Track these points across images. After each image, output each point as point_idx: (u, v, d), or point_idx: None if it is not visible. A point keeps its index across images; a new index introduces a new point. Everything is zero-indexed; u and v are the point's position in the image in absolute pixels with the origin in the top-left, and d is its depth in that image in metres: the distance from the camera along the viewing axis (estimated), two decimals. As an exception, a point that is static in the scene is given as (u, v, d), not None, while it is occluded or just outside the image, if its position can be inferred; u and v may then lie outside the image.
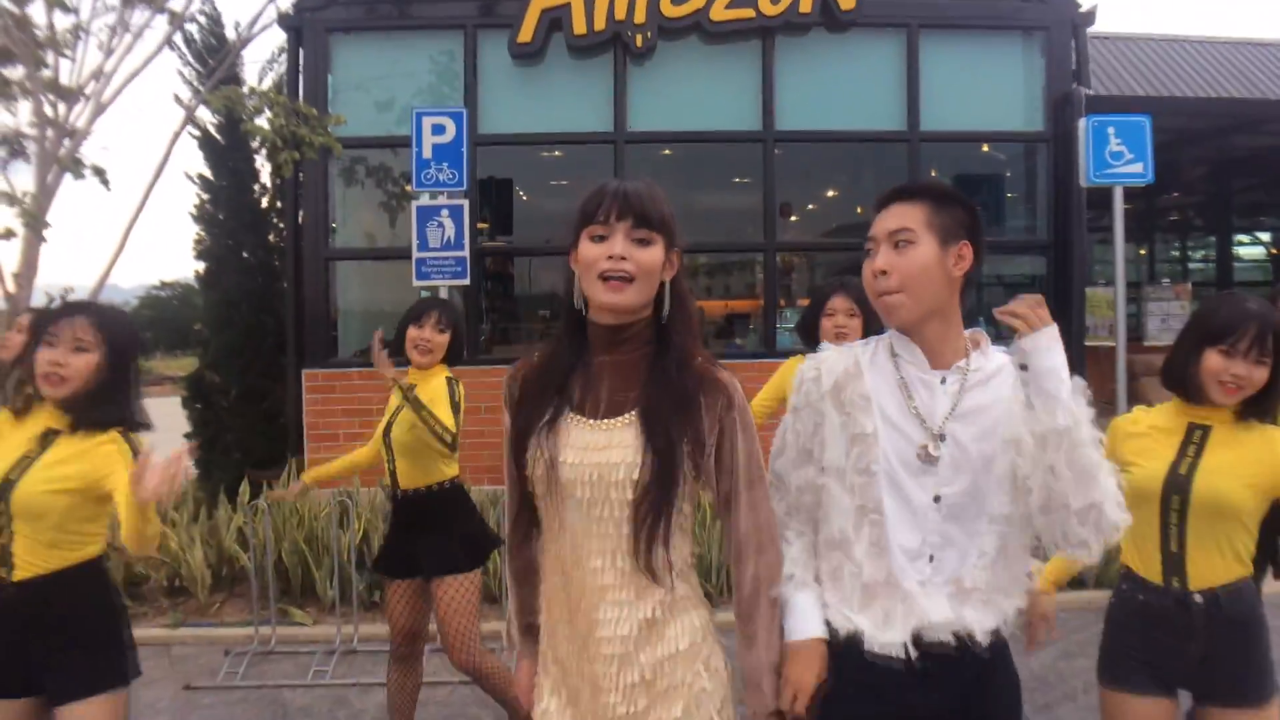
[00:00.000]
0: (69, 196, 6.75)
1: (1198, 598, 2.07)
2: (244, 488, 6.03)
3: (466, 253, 5.46)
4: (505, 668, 3.38)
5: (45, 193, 5.91)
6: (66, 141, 6.09)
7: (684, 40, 7.43)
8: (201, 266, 8.29)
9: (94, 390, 2.17)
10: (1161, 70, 10.31)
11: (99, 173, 6.12)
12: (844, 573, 1.64)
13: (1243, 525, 2.08)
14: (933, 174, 8.73)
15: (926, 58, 7.55)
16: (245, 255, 8.22)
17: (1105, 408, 6.64)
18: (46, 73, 6.27)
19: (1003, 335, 1.67)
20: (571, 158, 8.40)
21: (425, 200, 5.56)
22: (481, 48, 7.35)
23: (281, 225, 8.53)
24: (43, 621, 2.15)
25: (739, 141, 7.66)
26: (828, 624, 1.64)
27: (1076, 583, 5.45)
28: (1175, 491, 2.07)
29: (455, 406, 3.15)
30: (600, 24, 7.15)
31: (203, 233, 8.29)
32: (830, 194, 10.88)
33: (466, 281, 5.52)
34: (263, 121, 5.74)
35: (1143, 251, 16.59)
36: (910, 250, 1.58)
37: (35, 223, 5.66)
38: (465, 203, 5.50)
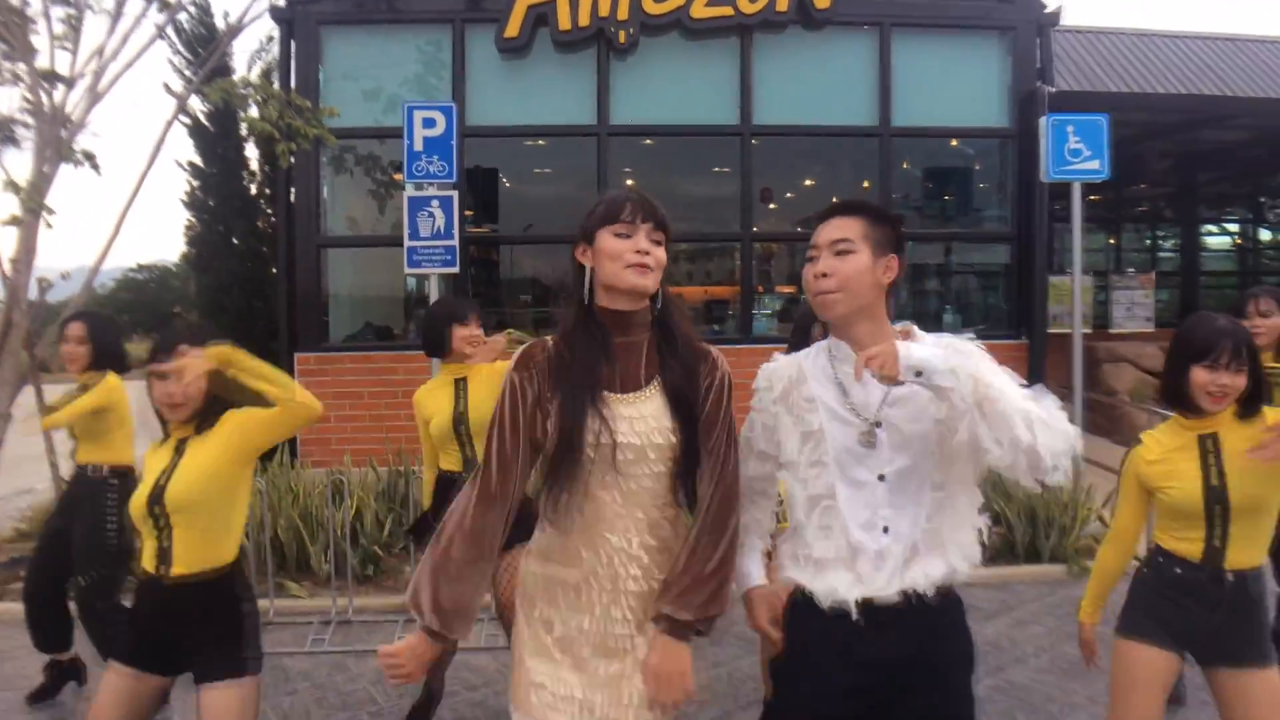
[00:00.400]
0: (58, 181, 6.85)
1: (1230, 576, 2.36)
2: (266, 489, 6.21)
3: (456, 242, 5.67)
4: None
5: (44, 179, 6.05)
6: (65, 129, 6.22)
7: (665, 36, 7.64)
8: (192, 252, 8.44)
9: (205, 400, 2.44)
10: (1133, 64, 10.48)
11: (89, 158, 6.27)
12: (799, 553, 1.90)
13: (1273, 515, 2.40)
14: (905, 166, 9.01)
15: (898, 56, 7.79)
16: (235, 241, 8.39)
17: (1064, 392, 6.98)
18: (41, 62, 6.39)
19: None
20: (555, 147, 8.59)
21: (417, 191, 5.74)
22: (469, 41, 7.52)
23: (270, 212, 8.69)
24: (193, 617, 2.42)
25: (718, 135, 7.88)
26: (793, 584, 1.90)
27: (1032, 556, 5.81)
28: (1217, 502, 2.35)
29: None
30: (585, 20, 7.34)
31: (193, 219, 8.44)
32: (807, 183, 11.13)
33: (456, 270, 5.73)
34: (255, 112, 5.91)
35: (1111, 241, 16.93)
36: (848, 258, 1.83)
37: (36, 209, 5.79)
38: (455, 194, 5.70)
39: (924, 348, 1.68)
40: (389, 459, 6.57)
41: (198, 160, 8.36)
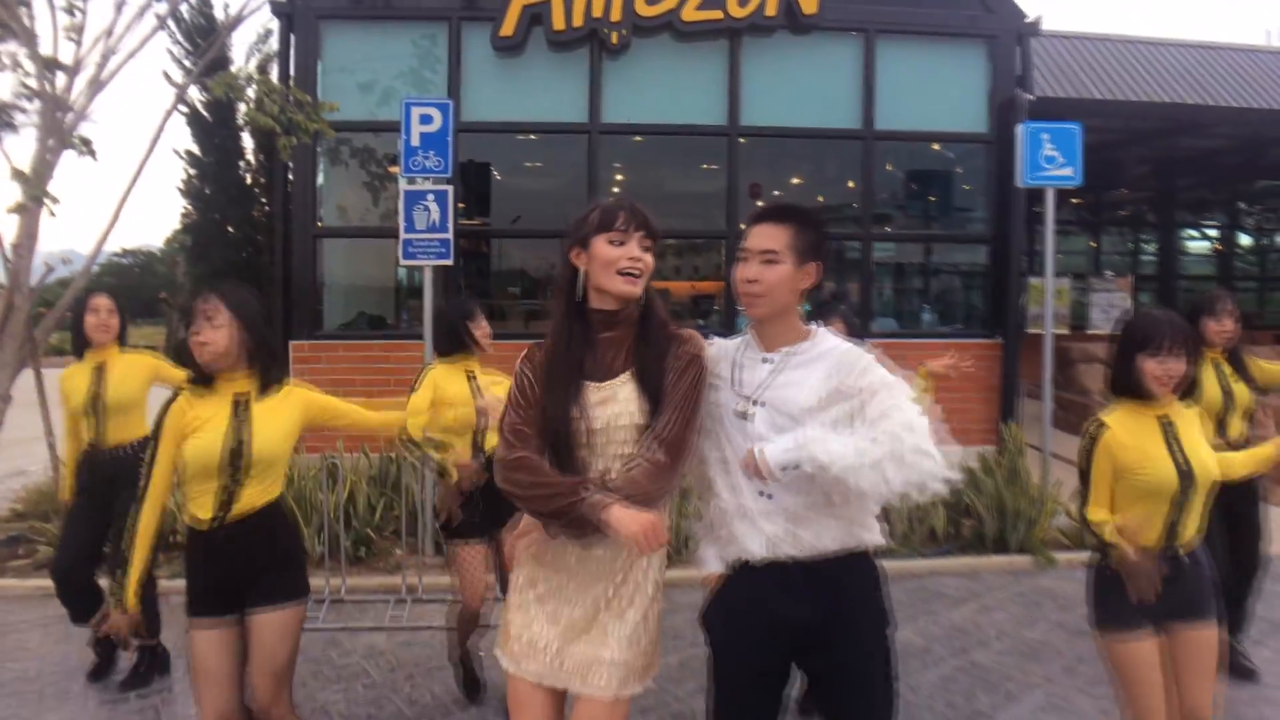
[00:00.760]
0: (59, 166, 6.93)
1: (1185, 557, 2.62)
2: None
3: (450, 235, 5.83)
4: None
5: (46, 166, 6.17)
6: (68, 117, 6.34)
7: (656, 38, 7.80)
8: (187, 239, 8.56)
9: (242, 350, 2.64)
10: (1115, 70, 10.65)
11: (85, 143, 6.39)
12: (714, 505, 2.15)
13: (1216, 485, 2.64)
14: (888, 168, 9.22)
15: (882, 61, 7.99)
16: (230, 229, 8.52)
17: (1035, 389, 7.22)
18: (42, 49, 6.49)
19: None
20: (547, 144, 8.75)
21: (412, 185, 5.90)
22: (465, 39, 7.66)
23: (264, 201, 8.82)
24: (250, 548, 2.64)
25: (706, 135, 8.05)
26: (723, 559, 2.13)
27: (1001, 546, 6.05)
28: (1187, 482, 2.58)
29: None
30: (578, 20, 7.51)
31: (189, 206, 8.56)
32: (794, 181, 11.32)
33: (450, 262, 5.90)
34: (257, 105, 6.04)
35: (1092, 244, 17.22)
36: (774, 267, 2.05)
37: (40, 196, 5.92)
38: (450, 188, 5.86)
39: (781, 450, 1.91)
40: (380, 445, 6.74)
41: (195, 149, 8.46)
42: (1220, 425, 3.96)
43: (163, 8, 6.94)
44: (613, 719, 2.06)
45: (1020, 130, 6.49)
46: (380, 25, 7.67)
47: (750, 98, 7.93)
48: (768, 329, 2.13)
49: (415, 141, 5.77)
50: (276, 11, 7.43)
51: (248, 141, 8.86)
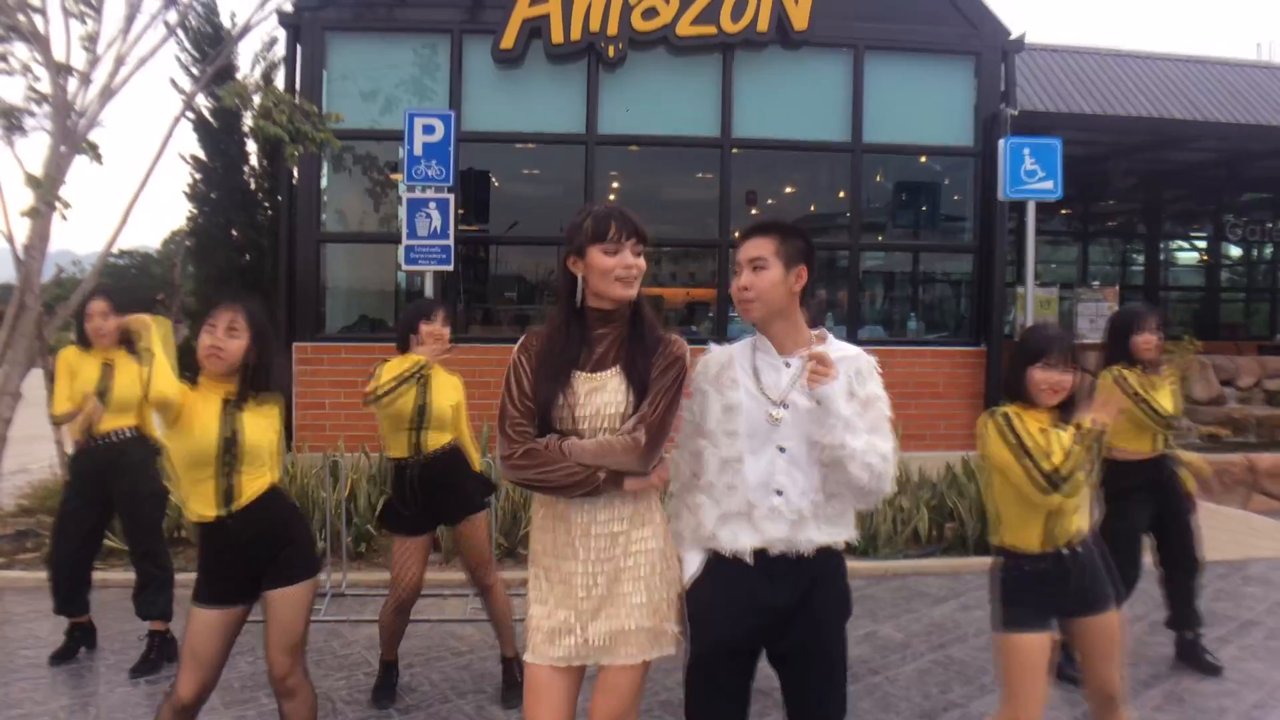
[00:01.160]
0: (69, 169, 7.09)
1: (1067, 551, 2.76)
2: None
3: (451, 241, 6.03)
4: (507, 596, 4.05)
5: (58, 170, 6.35)
6: (80, 123, 6.52)
7: (652, 52, 8.02)
8: (193, 242, 8.73)
9: (244, 360, 2.79)
10: (1104, 84, 10.85)
11: (92, 148, 6.57)
12: (705, 506, 2.29)
13: (1089, 488, 2.78)
14: (878, 180, 9.45)
15: (870, 76, 8.22)
16: (234, 234, 8.69)
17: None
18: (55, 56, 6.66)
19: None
20: (545, 153, 8.95)
21: (415, 193, 6.09)
22: (466, 51, 7.88)
23: (268, 206, 9.01)
24: (260, 536, 2.79)
25: (699, 146, 8.27)
26: (706, 549, 2.28)
27: (982, 548, 6.22)
28: (1050, 484, 2.70)
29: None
30: (576, 34, 7.73)
31: (194, 210, 8.73)
32: (786, 191, 11.54)
33: (450, 267, 6.09)
34: (265, 115, 6.22)
35: (1082, 255, 17.40)
36: (763, 272, 2.23)
37: (52, 201, 6.10)
38: (451, 196, 6.06)
39: (831, 390, 2.14)
40: (379, 443, 6.91)
41: (200, 154, 8.64)
42: (1155, 435, 4.17)
43: (172, 17, 7.16)
44: (635, 684, 2.23)
45: (1002, 145, 6.69)
46: (384, 36, 7.87)
47: (742, 110, 8.14)
48: (776, 333, 2.27)
49: (418, 151, 5.98)
50: (284, 23, 7.63)
51: (252, 147, 9.03)
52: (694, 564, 2.31)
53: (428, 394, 3.77)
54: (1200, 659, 4.32)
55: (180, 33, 8.55)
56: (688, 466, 2.36)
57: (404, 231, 6.01)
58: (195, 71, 8.00)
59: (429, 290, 6.25)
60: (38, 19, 6.61)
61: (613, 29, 7.76)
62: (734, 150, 8.21)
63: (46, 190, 5.96)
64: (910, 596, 5.50)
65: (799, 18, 7.90)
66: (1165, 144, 11.37)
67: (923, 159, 9.04)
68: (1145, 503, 4.18)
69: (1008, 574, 2.83)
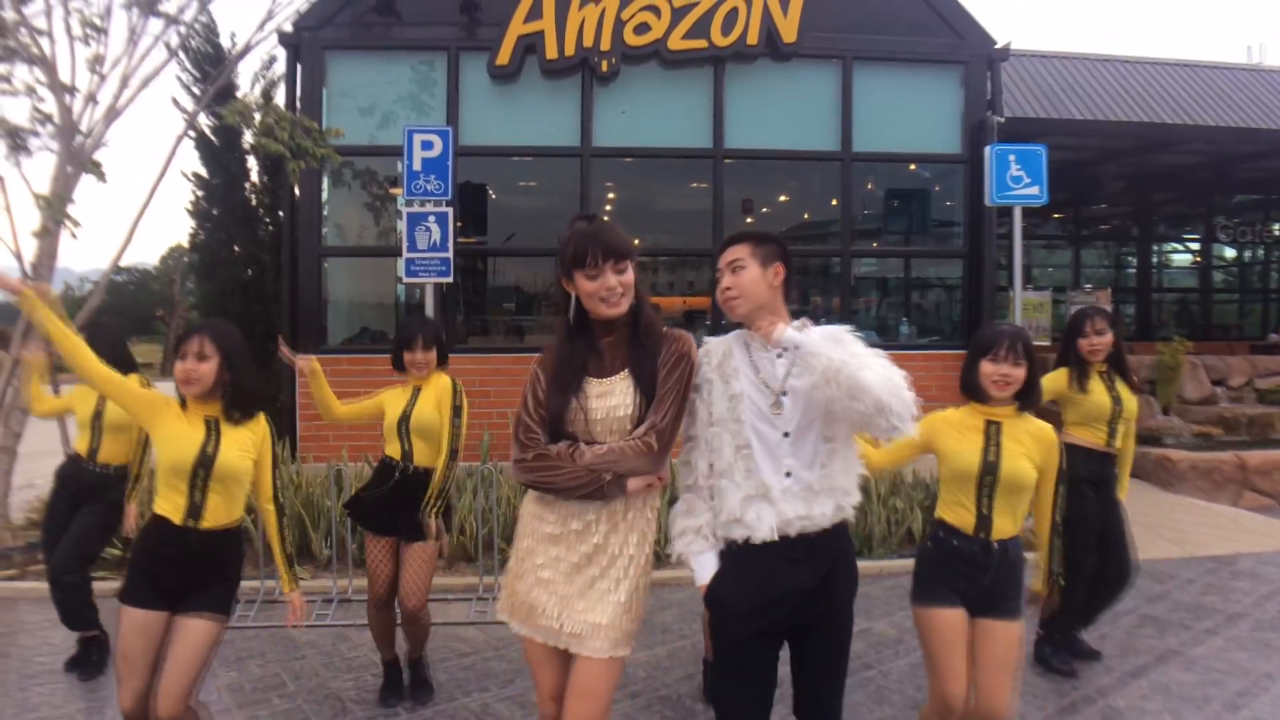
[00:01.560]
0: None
1: (995, 545, 2.88)
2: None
3: (450, 254, 6.16)
4: (429, 624, 4.15)
5: (66, 189, 6.49)
6: (86, 143, 6.67)
7: (644, 66, 8.19)
8: (195, 258, 8.86)
9: (218, 383, 2.89)
10: (1094, 88, 11.00)
11: (96, 167, 6.72)
12: (728, 490, 2.39)
13: (1028, 495, 2.91)
14: (869, 187, 9.59)
15: (859, 86, 8.38)
16: (236, 249, 8.82)
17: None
18: (40, 74, 6.80)
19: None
20: (541, 166, 9.10)
21: (415, 207, 6.23)
22: (463, 68, 8.04)
23: (269, 221, 9.14)
24: (211, 559, 2.91)
25: (692, 157, 8.42)
26: (728, 540, 2.38)
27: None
28: (988, 473, 2.86)
29: (456, 410, 3.99)
30: (570, 50, 7.89)
31: (197, 227, 8.87)
32: (780, 199, 11.68)
33: (450, 279, 6.22)
34: (267, 132, 6.36)
35: (1074, 260, 17.57)
36: (742, 272, 2.40)
37: (60, 220, 6.23)
38: (449, 210, 6.19)
39: (802, 335, 2.27)
40: (382, 454, 7.02)
41: (203, 171, 8.77)
42: (1110, 432, 4.21)
43: (173, 38, 7.32)
44: (608, 677, 2.34)
45: (988, 152, 6.81)
46: (383, 55, 8.04)
47: (734, 121, 8.30)
48: (761, 327, 2.40)
49: (417, 166, 6.11)
50: (284, 42, 7.78)
51: (253, 164, 9.17)
52: (708, 565, 2.41)
53: (413, 407, 3.98)
54: (1079, 647, 4.42)
55: (182, 53, 8.71)
56: (703, 458, 2.44)
57: (404, 245, 6.14)
58: (197, 91, 8.14)
59: (429, 302, 6.37)
60: (44, 41, 6.78)
61: (606, 44, 7.92)
62: (726, 160, 8.35)
63: (56, 210, 6.09)
64: (904, 595, 5.50)
65: (788, 31, 8.06)
66: (1154, 147, 11.50)
67: (912, 166, 9.19)
68: (1093, 497, 4.23)
69: (932, 547, 2.96)
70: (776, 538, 2.33)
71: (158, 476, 2.93)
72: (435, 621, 5.03)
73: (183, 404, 2.94)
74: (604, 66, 7.99)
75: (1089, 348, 4.22)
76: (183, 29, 7.36)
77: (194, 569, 2.89)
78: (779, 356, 2.39)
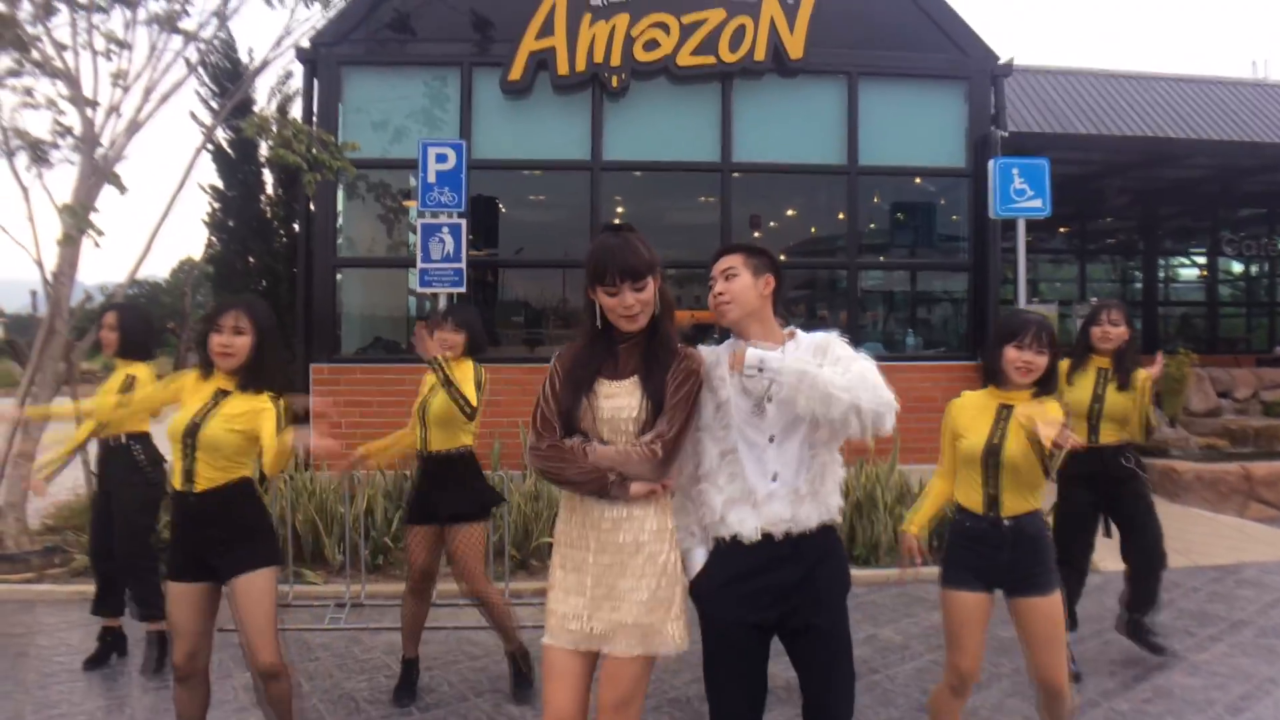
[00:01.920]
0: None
1: (1006, 522, 2.97)
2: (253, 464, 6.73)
3: (463, 264, 6.28)
4: (503, 600, 4.23)
5: (88, 197, 6.63)
6: (108, 153, 6.82)
7: (654, 81, 8.33)
8: (210, 269, 9.00)
9: (250, 358, 3.00)
10: (1099, 103, 11.10)
11: (116, 178, 6.86)
12: (711, 493, 2.47)
13: (1036, 474, 2.98)
14: (875, 200, 9.69)
15: (865, 101, 8.49)
16: (251, 260, 8.97)
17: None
18: (62, 88, 6.95)
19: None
20: (552, 179, 9.24)
21: (429, 218, 6.35)
22: (476, 83, 8.19)
23: (284, 234, 9.29)
24: (216, 520, 2.99)
25: (701, 171, 8.54)
26: (715, 538, 2.47)
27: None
28: (991, 455, 2.96)
29: (479, 385, 4.04)
30: (581, 65, 8.04)
31: (213, 238, 9.02)
32: (789, 213, 11.80)
33: (463, 289, 6.33)
34: (284, 145, 6.51)
35: (1080, 273, 17.59)
36: (735, 279, 2.50)
37: (84, 229, 6.36)
38: (463, 222, 6.31)
39: (767, 354, 2.34)
40: (395, 463, 7.12)
41: (219, 184, 8.92)
42: (1092, 428, 4.30)
43: (193, 55, 7.49)
44: (635, 675, 2.38)
45: (991, 165, 6.90)
46: (397, 70, 8.20)
47: (741, 136, 8.42)
48: (753, 335, 2.50)
49: (431, 179, 6.24)
50: (301, 58, 7.95)
51: (268, 177, 9.32)
52: (700, 558, 2.50)
53: (434, 395, 4.04)
54: (1144, 638, 4.50)
55: (200, 69, 8.89)
56: (690, 460, 2.54)
57: (418, 255, 6.25)
58: (215, 105, 8.30)
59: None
60: (67, 55, 6.94)
61: (616, 60, 8.06)
62: (734, 175, 8.47)
63: (80, 219, 6.23)
64: (910, 602, 5.66)
65: (794, 47, 8.19)
66: (1158, 161, 11.56)
67: (917, 180, 9.29)
68: (1084, 491, 4.35)
69: (953, 530, 3.09)
70: (759, 538, 2.41)
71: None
72: (447, 625, 5.12)
73: (208, 374, 3.04)
74: (614, 82, 8.13)
75: (1100, 335, 4.33)
76: (202, 45, 7.53)
77: (205, 531, 2.98)
78: (731, 371, 2.47)
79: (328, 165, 6.27)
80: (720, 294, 2.53)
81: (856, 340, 8.27)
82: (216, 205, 8.91)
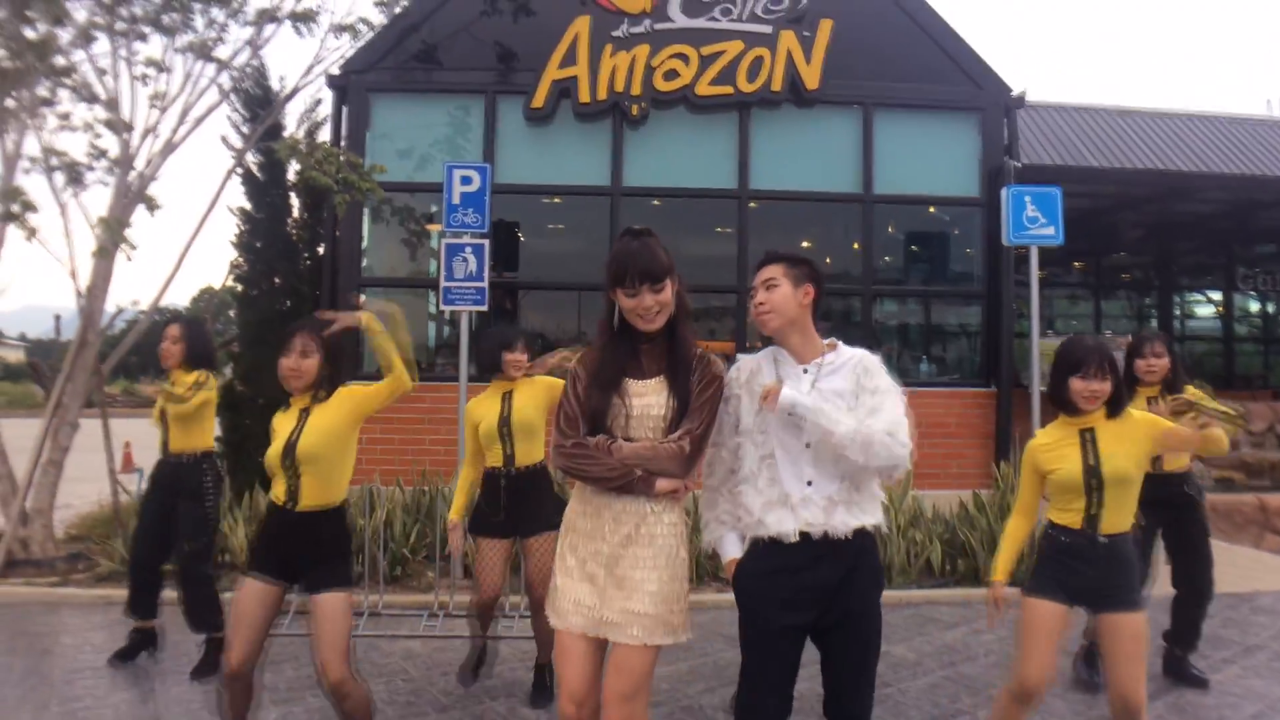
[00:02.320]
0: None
1: (1103, 539, 3.06)
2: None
3: (485, 284, 6.41)
4: None
5: (124, 215, 6.86)
6: (144, 172, 7.06)
7: (673, 110, 8.55)
8: (238, 289, 9.17)
9: (318, 376, 3.18)
10: (1111, 139, 11.15)
11: (148, 199, 7.09)
12: (750, 495, 2.57)
13: (1136, 489, 3.10)
14: (890, 231, 9.82)
15: (880, 132, 8.67)
16: (278, 281, 9.12)
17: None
18: (101, 112, 7.22)
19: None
20: (572, 205, 9.43)
21: (452, 239, 6.50)
22: (499, 110, 8.43)
23: (308, 256, 9.48)
24: (311, 536, 3.15)
25: (718, 198, 8.71)
26: (753, 538, 2.55)
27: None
28: (1093, 478, 3.05)
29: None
30: (602, 94, 8.26)
31: (241, 259, 9.19)
32: (803, 244, 11.89)
33: (485, 308, 6.45)
34: (316, 169, 6.71)
35: (1094, 309, 17.60)
36: (776, 289, 2.58)
37: (118, 242, 6.57)
38: (486, 242, 6.46)
39: (799, 399, 2.46)
40: (413, 478, 7.25)
41: (248, 206, 9.11)
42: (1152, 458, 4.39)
43: (226, 82, 7.77)
44: (643, 664, 2.46)
45: (1005, 193, 6.98)
46: (424, 97, 8.45)
47: (758, 164, 8.60)
48: (794, 345, 2.60)
49: (456, 200, 6.39)
50: (331, 84, 8.21)
51: (295, 201, 9.52)
52: (732, 546, 2.60)
53: (510, 409, 4.16)
54: (1186, 674, 4.54)
55: (232, 95, 9.15)
56: (727, 461, 2.64)
57: (441, 274, 6.39)
58: (245, 130, 8.52)
59: (463, 332, 6.57)
60: (106, 80, 7.23)
61: (636, 89, 8.28)
62: (751, 204, 8.63)
63: (115, 232, 6.43)
64: (923, 622, 5.68)
65: (811, 78, 8.39)
66: (1171, 195, 11.59)
67: (931, 209, 9.41)
68: (1147, 515, 4.40)
69: (1045, 544, 3.19)
70: (798, 538, 2.48)
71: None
72: (469, 636, 5.19)
73: (287, 403, 3.24)
74: (634, 111, 8.34)
75: (1146, 368, 4.43)
76: (235, 73, 7.81)
77: (297, 545, 3.15)
78: (805, 372, 2.58)
79: (357, 186, 6.46)
80: (761, 304, 2.60)
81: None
82: (245, 227, 9.09)
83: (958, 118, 8.87)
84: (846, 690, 2.55)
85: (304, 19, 7.36)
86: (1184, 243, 15.52)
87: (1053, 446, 3.17)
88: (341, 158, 6.60)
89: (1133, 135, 11.36)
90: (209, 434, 4.71)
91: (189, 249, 7.59)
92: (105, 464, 7.11)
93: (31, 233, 6.46)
